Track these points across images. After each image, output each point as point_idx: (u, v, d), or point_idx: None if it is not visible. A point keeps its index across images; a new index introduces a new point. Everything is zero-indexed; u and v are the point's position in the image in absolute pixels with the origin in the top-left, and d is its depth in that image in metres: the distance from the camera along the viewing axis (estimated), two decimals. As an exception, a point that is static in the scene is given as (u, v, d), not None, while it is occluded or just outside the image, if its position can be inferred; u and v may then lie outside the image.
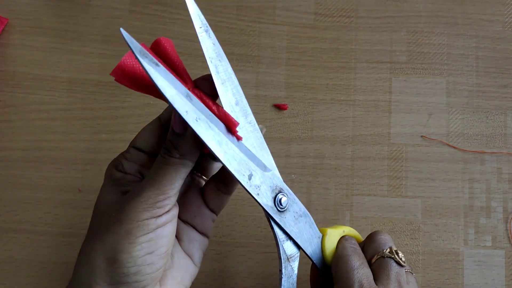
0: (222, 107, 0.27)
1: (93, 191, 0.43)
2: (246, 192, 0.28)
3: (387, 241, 0.32)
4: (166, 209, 0.27)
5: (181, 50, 0.45)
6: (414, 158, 0.44)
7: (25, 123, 0.44)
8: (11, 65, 0.45)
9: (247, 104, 0.29)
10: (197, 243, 0.32)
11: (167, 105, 0.45)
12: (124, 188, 0.29)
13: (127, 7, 0.46)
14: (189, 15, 0.46)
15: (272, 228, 0.29)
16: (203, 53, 0.28)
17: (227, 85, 0.28)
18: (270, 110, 0.44)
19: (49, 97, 0.44)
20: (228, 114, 0.27)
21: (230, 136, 0.27)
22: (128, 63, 0.27)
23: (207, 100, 0.27)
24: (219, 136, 0.26)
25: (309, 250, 0.31)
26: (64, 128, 0.44)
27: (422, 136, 0.44)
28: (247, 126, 0.28)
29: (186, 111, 0.24)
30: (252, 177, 0.27)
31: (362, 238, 0.35)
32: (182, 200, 0.32)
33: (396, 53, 0.45)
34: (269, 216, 0.29)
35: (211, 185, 0.32)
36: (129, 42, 0.24)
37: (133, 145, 0.30)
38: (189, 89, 0.27)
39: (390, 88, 0.45)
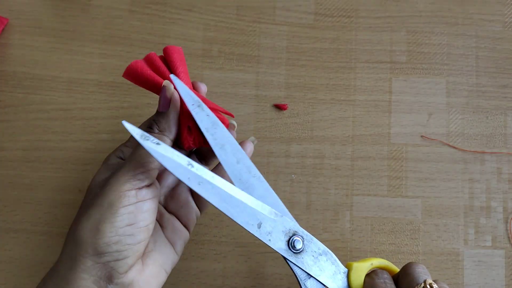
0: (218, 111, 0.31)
1: (93, 191, 0.43)
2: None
3: (421, 274, 0.30)
4: (146, 183, 0.29)
5: (181, 50, 0.45)
6: (414, 158, 0.44)
7: (25, 123, 0.44)
8: (11, 65, 0.45)
9: (250, 161, 0.31)
10: (179, 232, 0.34)
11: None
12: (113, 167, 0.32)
13: (127, 7, 0.46)
14: (189, 15, 0.46)
15: (292, 268, 0.30)
16: (199, 125, 0.31)
17: (226, 148, 0.31)
18: (270, 110, 0.44)
19: (49, 97, 0.44)
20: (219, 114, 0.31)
21: (235, 190, 0.29)
22: (138, 65, 0.32)
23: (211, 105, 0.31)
24: (222, 194, 0.28)
25: (334, 286, 0.31)
26: (64, 128, 0.44)
27: (422, 136, 0.44)
28: (252, 179, 0.31)
29: (188, 178, 0.28)
30: (262, 225, 0.29)
31: (396, 268, 0.33)
32: (172, 192, 0.35)
33: (396, 53, 0.45)
34: (285, 259, 0.30)
35: None
36: (131, 131, 0.27)
37: None
38: (201, 98, 0.31)
39: (390, 88, 0.45)
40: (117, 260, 0.28)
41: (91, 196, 0.30)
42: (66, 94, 0.44)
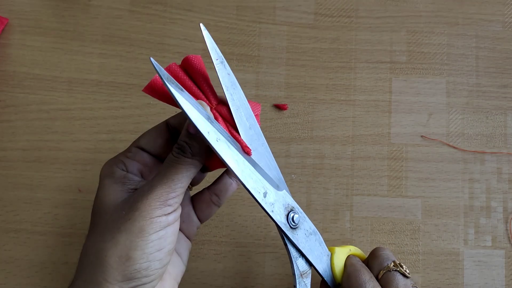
0: (235, 132, 0.31)
1: (93, 191, 0.43)
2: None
3: (389, 256, 0.34)
4: (175, 207, 0.28)
5: (181, 50, 0.45)
6: (414, 158, 0.44)
7: (25, 123, 0.44)
8: (11, 65, 0.45)
9: (259, 128, 0.31)
10: (184, 243, 0.33)
11: (169, 107, 0.45)
12: (127, 186, 0.30)
13: (127, 7, 0.46)
14: (189, 15, 0.46)
15: (286, 245, 0.31)
16: (220, 82, 0.30)
17: (241, 111, 0.31)
18: (270, 110, 0.44)
19: (49, 97, 0.44)
20: (239, 137, 0.30)
21: (246, 155, 0.29)
22: (158, 82, 0.30)
23: (225, 123, 0.30)
24: (237, 156, 0.28)
25: (319, 267, 0.33)
26: (64, 128, 0.44)
27: (422, 136, 0.44)
28: (260, 148, 0.31)
29: (208, 132, 0.27)
30: (267, 195, 0.29)
31: (365, 256, 0.36)
32: None
33: (396, 53, 0.45)
34: (282, 233, 0.30)
35: (204, 195, 0.34)
36: (158, 69, 0.26)
37: (136, 145, 0.31)
38: (212, 107, 0.30)
39: (390, 88, 0.45)
40: (144, 284, 0.27)
41: (112, 218, 0.28)
42: (66, 94, 0.44)
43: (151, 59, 0.25)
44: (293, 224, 0.30)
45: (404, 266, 0.33)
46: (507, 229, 0.43)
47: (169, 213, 0.28)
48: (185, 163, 0.28)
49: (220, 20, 0.46)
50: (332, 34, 0.46)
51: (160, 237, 0.28)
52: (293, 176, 0.43)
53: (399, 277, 0.32)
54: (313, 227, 0.32)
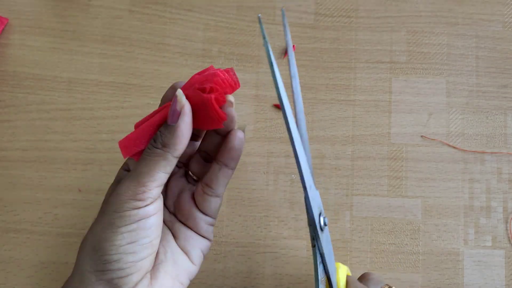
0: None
1: (93, 191, 0.43)
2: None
3: (381, 279, 0.34)
4: (148, 202, 0.27)
5: (181, 50, 0.45)
6: (414, 158, 0.44)
7: (25, 123, 0.44)
8: (11, 65, 0.45)
9: (305, 124, 0.31)
10: (193, 241, 0.32)
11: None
12: None
13: (127, 7, 0.46)
14: (189, 15, 0.46)
15: (314, 246, 0.30)
16: (289, 68, 0.31)
17: (295, 104, 0.31)
18: (270, 110, 0.44)
19: (49, 97, 0.44)
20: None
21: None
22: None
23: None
24: (299, 143, 0.28)
25: (332, 276, 0.32)
26: (64, 128, 0.44)
27: (422, 136, 0.44)
28: (305, 144, 0.30)
29: (295, 137, 0.27)
30: (311, 188, 0.29)
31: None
32: (177, 202, 0.33)
33: (396, 53, 0.45)
34: (314, 232, 0.29)
35: (198, 188, 0.32)
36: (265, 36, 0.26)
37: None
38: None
39: (390, 88, 0.45)
40: (120, 277, 0.27)
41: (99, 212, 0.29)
42: (66, 94, 0.44)
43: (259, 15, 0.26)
44: (323, 225, 0.30)
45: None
46: (507, 229, 0.43)
47: (140, 207, 0.27)
48: (154, 155, 0.27)
49: (220, 20, 0.46)
50: (332, 34, 0.46)
51: (132, 230, 0.27)
52: (293, 176, 0.43)
53: None
54: (329, 235, 0.31)
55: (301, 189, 0.43)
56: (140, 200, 0.27)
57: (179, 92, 0.28)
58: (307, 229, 0.42)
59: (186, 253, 0.31)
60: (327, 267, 0.31)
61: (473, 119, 0.44)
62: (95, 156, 0.43)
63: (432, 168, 0.44)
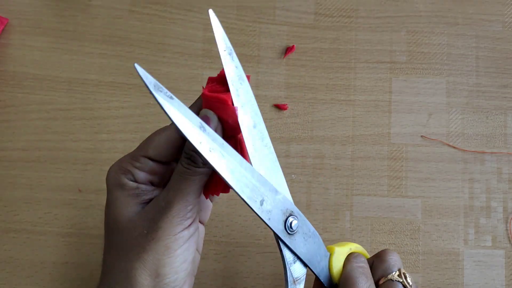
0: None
1: (93, 191, 0.43)
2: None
3: (396, 262, 0.33)
4: (193, 217, 0.29)
5: (181, 50, 0.45)
6: (414, 158, 0.44)
7: (25, 123, 0.44)
8: (11, 65, 0.45)
9: (265, 127, 0.29)
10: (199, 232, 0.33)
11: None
12: (141, 198, 0.29)
13: (127, 7, 0.46)
14: (189, 15, 0.46)
15: (281, 250, 0.30)
16: (226, 75, 0.28)
17: (246, 108, 0.29)
18: (270, 110, 0.44)
19: (49, 97, 0.44)
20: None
21: (243, 162, 0.27)
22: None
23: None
24: (232, 164, 0.26)
25: (317, 269, 0.32)
26: (64, 128, 0.44)
27: (422, 136, 0.44)
28: (263, 149, 0.29)
29: (200, 142, 0.25)
30: (264, 202, 0.28)
31: (368, 255, 0.35)
32: None
33: (396, 53, 0.45)
34: (279, 239, 0.29)
35: None
36: (142, 76, 0.23)
37: (144, 155, 0.29)
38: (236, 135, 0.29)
39: (390, 88, 0.45)
40: None
41: (133, 236, 0.28)
42: (66, 94, 0.44)
43: (136, 65, 0.23)
44: (291, 230, 0.29)
45: (408, 278, 0.32)
46: (507, 229, 0.43)
47: (189, 225, 0.28)
48: (198, 173, 0.28)
49: (220, 20, 0.45)
50: (332, 34, 0.46)
51: (184, 249, 0.28)
52: (293, 176, 0.43)
53: None
54: (312, 229, 0.31)
55: (302, 189, 0.43)
56: (189, 218, 0.28)
57: (210, 113, 0.28)
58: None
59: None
60: (307, 264, 0.31)
61: (473, 119, 0.44)
62: (95, 156, 0.43)
63: (432, 168, 0.44)
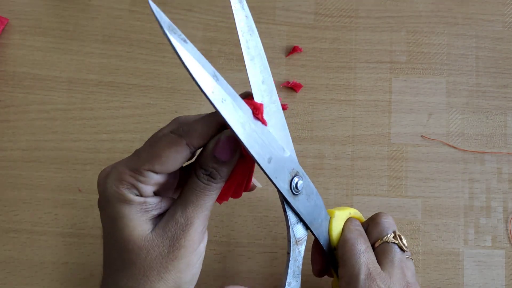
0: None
1: (93, 191, 0.43)
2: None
3: (390, 225, 0.33)
4: (206, 231, 0.29)
5: (181, 50, 0.45)
6: (414, 158, 0.44)
7: (25, 123, 0.44)
8: (11, 65, 0.45)
9: (273, 84, 0.29)
10: None
11: (169, 106, 0.45)
12: (150, 214, 0.28)
13: (127, 7, 0.46)
14: (189, 15, 0.46)
15: (285, 211, 0.30)
16: (235, 26, 0.27)
17: (256, 62, 0.28)
18: (270, 110, 0.44)
19: (49, 97, 0.44)
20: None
21: (254, 119, 0.27)
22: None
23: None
24: (243, 118, 0.25)
25: (317, 232, 0.32)
26: (64, 128, 0.44)
27: (422, 136, 0.44)
28: (271, 106, 0.28)
29: (213, 91, 0.24)
30: (272, 160, 0.27)
31: (364, 220, 0.36)
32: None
33: (396, 53, 0.45)
34: (283, 199, 0.29)
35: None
36: (158, 16, 0.22)
37: (149, 169, 0.27)
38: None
39: (390, 88, 0.45)
40: None
41: (152, 256, 0.27)
42: (66, 94, 0.44)
43: (150, 3, 0.22)
44: (296, 190, 0.29)
45: (403, 239, 0.32)
46: (507, 229, 0.43)
47: (203, 237, 0.29)
48: (214, 188, 0.28)
49: (220, 20, 0.46)
50: (332, 34, 0.46)
51: (201, 261, 0.29)
52: (293, 176, 0.43)
53: (396, 250, 0.32)
54: (315, 190, 0.31)
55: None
56: (205, 232, 0.29)
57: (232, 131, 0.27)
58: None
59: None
60: (309, 225, 0.31)
61: (473, 119, 0.44)
62: (95, 156, 0.43)
63: (432, 168, 0.44)
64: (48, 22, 0.45)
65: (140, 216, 0.27)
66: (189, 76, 0.24)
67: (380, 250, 0.32)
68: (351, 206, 0.43)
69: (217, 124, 0.28)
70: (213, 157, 0.27)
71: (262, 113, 0.27)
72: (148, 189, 0.27)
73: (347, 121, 0.44)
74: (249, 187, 0.31)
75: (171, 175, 0.29)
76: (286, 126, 0.29)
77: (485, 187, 0.43)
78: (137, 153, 0.28)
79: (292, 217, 0.30)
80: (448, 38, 0.46)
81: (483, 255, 0.43)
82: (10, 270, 0.42)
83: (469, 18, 0.46)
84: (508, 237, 0.43)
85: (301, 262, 0.31)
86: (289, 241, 0.30)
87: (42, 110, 0.44)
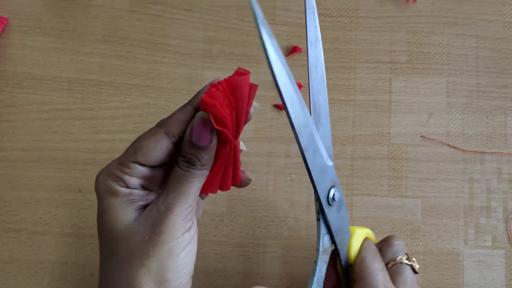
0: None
1: (93, 191, 0.43)
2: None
3: (403, 247, 0.34)
4: (193, 220, 0.28)
5: (181, 50, 0.45)
6: (414, 158, 0.44)
7: (25, 123, 0.44)
8: (11, 65, 0.45)
9: (326, 94, 0.31)
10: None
11: (169, 106, 0.45)
12: (136, 205, 0.28)
13: (127, 7, 0.46)
14: (189, 15, 0.46)
15: (318, 220, 0.30)
16: (306, 33, 0.30)
17: (314, 71, 0.30)
18: (270, 110, 0.44)
19: (49, 97, 0.44)
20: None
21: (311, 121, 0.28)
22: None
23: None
24: (305, 121, 0.26)
25: (340, 246, 0.32)
26: (64, 128, 0.44)
27: (422, 136, 0.44)
28: (322, 116, 0.31)
29: (286, 90, 0.24)
30: (319, 167, 0.28)
31: (376, 241, 0.36)
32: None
33: (396, 53, 0.45)
34: (320, 208, 0.30)
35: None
36: (255, 10, 0.22)
37: (134, 160, 0.28)
38: (232, 140, 0.28)
39: (390, 88, 0.45)
40: None
41: (135, 243, 0.27)
42: (66, 94, 0.44)
43: None
44: (332, 201, 0.29)
45: (415, 261, 0.33)
46: (507, 229, 0.43)
47: (190, 227, 0.28)
48: (197, 176, 0.28)
49: (220, 20, 0.46)
50: (332, 34, 0.46)
51: (187, 253, 0.28)
52: (293, 176, 0.43)
53: (409, 271, 0.32)
54: (344, 204, 0.32)
55: (302, 189, 0.43)
56: (189, 220, 0.28)
57: (205, 114, 0.27)
58: (307, 229, 0.42)
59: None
60: (334, 238, 0.31)
61: (473, 119, 0.44)
62: (95, 156, 0.43)
63: (432, 168, 0.44)
64: (48, 22, 0.45)
65: (125, 207, 0.28)
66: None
67: (393, 271, 0.33)
68: (351, 206, 0.43)
69: (191, 109, 0.28)
70: (190, 142, 0.27)
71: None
72: (134, 180, 0.28)
73: (347, 121, 0.44)
74: (238, 179, 0.31)
75: (157, 170, 0.29)
76: (331, 137, 0.31)
77: (485, 187, 0.43)
78: (126, 149, 0.29)
79: (323, 228, 0.30)
80: (448, 38, 0.46)
81: (483, 255, 0.43)
82: (10, 270, 0.42)
83: (469, 18, 0.46)
84: (508, 237, 0.43)
85: (324, 272, 0.31)
86: (318, 250, 0.30)
87: (42, 110, 0.44)
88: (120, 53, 0.45)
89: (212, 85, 0.28)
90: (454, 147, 0.44)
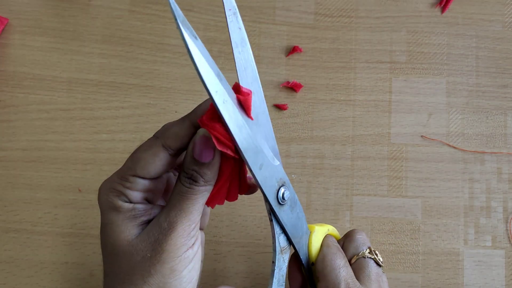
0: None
1: (93, 191, 0.43)
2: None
3: (365, 241, 0.34)
4: (197, 236, 0.28)
5: (181, 50, 0.45)
6: (414, 158, 0.44)
7: (25, 123, 0.44)
8: (11, 65, 0.45)
9: (263, 94, 0.29)
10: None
11: (169, 106, 0.45)
12: (139, 220, 0.28)
13: (127, 7, 0.46)
14: (189, 15, 0.46)
15: (271, 220, 0.30)
16: (229, 36, 0.28)
17: (248, 73, 0.28)
18: (270, 110, 0.44)
19: (49, 97, 0.44)
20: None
21: (249, 122, 0.27)
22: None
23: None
24: (241, 121, 0.25)
25: (298, 245, 0.32)
26: (64, 128, 0.44)
27: (422, 136, 0.44)
28: (261, 116, 0.29)
29: (216, 91, 0.24)
30: (263, 167, 0.27)
31: (340, 237, 0.36)
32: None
33: (396, 53, 0.45)
34: (270, 208, 0.29)
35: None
36: (173, 8, 0.22)
37: (132, 174, 0.28)
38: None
39: (390, 88, 0.45)
40: None
41: (136, 260, 0.27)
42: (66, 94, 0.44)
43: None
44: (282, 200, 0.29)
45: (378, 254, 0.33)
46: (507, 229, 0.43)
47: (193, 244, 0.27)
48: (200, 192, 0.27)
49: (220, 20, 0.46)
50: (332, 34, 0.46)
51: (190, 270, 0.27)
52: (293, 176, 0.43)
53: (373, 265, 0.32)
54: (299, 204, 0.31)
55: (302, 189, 0.43)
56: (192, 237, 0.27)
57: (205, 131, 0.27)
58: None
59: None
60: (290, 237, 0.31)
61: (473, 119, 0.44)
62: (95, 156, 0.43)
63: (432, 168, 0.44)
64: (48, 22, 0.45)
65: (127, 223, 0.28)
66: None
67: (356, 266, 0.33)
68: (351, 206, 0.43)
69: (190, 124, 0.28)
70: (193, 159, 0.27)
71: (249, 103, 0.27)
72: (136, 195, 0.28)
73: (347, 121, 0.44)
74: (246, 188, 0.30)
75: (158, 181, 0.29)
76: (274, 136, 0.30)
77: (485, 187, 0.43)
78: (125, 161, 0.28)
79: (277, 228, 0.30)
80: (448, 38, 0.46)
81: (483, 255, 0.43)
82: (10, 270, 0.42)
83: (469, 18, 0.46)
84: (508, 237, 0.43)
85: (285, 271, 0.31)
86: (274, 250, 0.30)
87: (42, 110, 0.44)
88: (120, 53, 0.45)
89: (212, 106, 0.27)
90: (454, 147, 0.44)
